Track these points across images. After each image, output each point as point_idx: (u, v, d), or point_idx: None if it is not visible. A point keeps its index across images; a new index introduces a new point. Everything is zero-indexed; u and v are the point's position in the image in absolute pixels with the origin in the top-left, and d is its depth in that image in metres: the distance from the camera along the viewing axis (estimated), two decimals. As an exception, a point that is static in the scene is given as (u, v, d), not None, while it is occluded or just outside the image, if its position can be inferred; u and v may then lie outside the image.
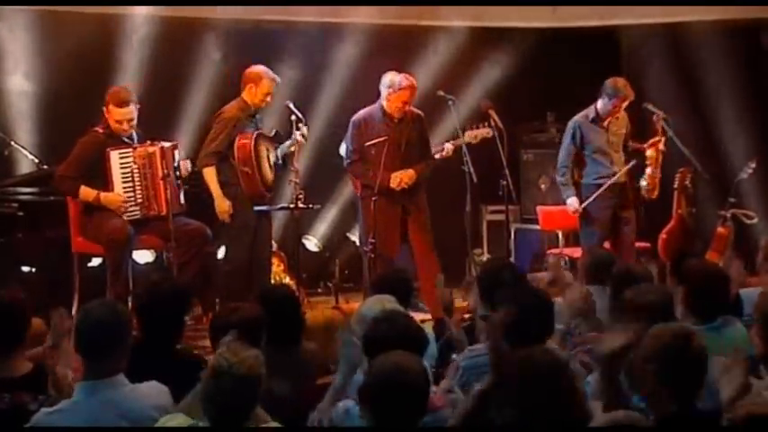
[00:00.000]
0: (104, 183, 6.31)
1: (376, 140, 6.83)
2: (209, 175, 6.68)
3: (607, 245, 7.13)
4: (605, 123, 7.20)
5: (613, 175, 7.14)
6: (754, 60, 8.67)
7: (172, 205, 6.37)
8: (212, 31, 8.01)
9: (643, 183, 7.13)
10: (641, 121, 7.58)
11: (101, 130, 6.35)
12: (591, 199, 7.04)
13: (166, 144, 6.49)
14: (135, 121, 6.37)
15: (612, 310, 4.40)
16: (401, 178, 6.87)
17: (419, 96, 7.19)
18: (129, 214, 6.35)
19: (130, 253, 6.43)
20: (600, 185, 7.12)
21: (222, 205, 6.67)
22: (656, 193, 7.17)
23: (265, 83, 6.67)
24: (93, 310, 3.51)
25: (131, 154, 6.34)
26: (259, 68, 6.74)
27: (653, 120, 7.24)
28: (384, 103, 6.94)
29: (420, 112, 7.12)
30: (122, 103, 6.28)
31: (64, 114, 7.32)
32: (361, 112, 7.02)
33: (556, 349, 4.07)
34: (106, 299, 3.97)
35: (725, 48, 8.67)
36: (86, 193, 6.28)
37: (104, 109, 6.32)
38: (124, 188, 6.34)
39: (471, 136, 7.18)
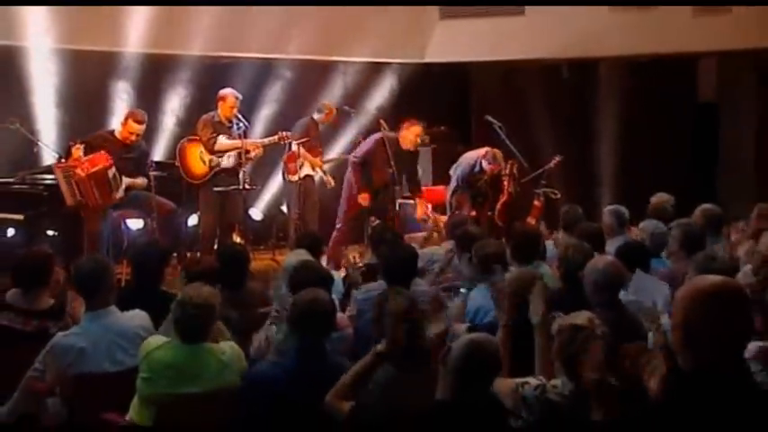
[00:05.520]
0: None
1: None
2: (219, 147, 6.69)
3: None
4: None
5: None
6: (558, 89, 8.96)
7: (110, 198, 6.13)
8: (181, 65, 7.95)
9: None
10: (484, 130, 7.81)
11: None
12: None
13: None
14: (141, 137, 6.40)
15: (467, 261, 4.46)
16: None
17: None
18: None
19: (106, 226, 6.23)
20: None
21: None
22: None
23: (229, 99, 6.76)
24: (83, 263, 3.56)
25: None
26: (225, 90, 6.86)
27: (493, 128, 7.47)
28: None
29: None
30: (139, 122, 6.31)
31: (76, 123, 7.20)
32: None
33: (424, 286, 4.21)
34: (93, 254, 4.07)
35: (540, 79, 8.93)
36: None
37: (123, 120, 6.33)
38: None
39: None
